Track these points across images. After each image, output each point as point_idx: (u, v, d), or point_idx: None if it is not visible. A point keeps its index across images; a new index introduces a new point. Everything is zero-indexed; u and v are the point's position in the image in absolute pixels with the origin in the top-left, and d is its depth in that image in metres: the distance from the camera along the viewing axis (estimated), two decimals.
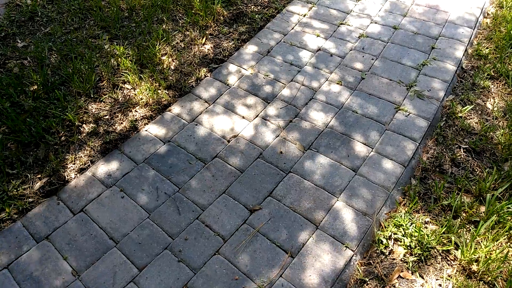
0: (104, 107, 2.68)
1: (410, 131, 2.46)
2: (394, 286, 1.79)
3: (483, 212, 2.03)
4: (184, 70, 2.95)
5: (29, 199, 2.17)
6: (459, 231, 1.95)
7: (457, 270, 1.83)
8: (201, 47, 3.16)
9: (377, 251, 1.93)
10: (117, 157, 2.38)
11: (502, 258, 1.80)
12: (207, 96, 2.76)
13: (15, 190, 2.20)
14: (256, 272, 1.85)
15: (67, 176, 2.29)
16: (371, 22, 3.38)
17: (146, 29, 3.28)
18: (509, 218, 1.96)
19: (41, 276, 1.86)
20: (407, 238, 1.93)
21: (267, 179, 2.24)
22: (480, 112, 2.59)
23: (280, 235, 1.98)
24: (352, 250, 1.92)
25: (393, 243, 1.95)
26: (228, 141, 2.46)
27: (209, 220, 2.06)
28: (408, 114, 2.56)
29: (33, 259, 1.93)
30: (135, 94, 2.75)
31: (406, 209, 2.07)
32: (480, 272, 1.79)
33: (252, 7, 3.59)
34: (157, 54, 3.03)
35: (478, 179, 2.18)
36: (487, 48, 3.06)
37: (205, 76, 2.92)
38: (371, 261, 1.90)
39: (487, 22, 3.36)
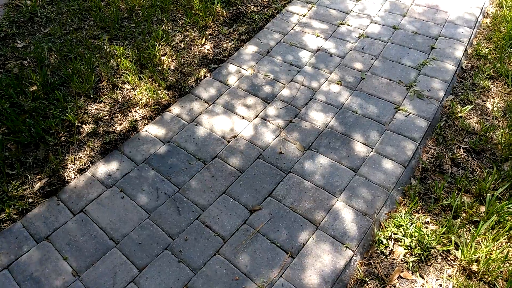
0: (104, 107, 2.68)
1: (410, 131, 2.46)
2: (395, 286, 1.79)
3: (483, 212, 2.03)
4: (184, 71, 2.95)
5: (29, 200, 2.17)
6: (459, 231, 1.95)
7: (457, 270, 1.83)
8: (200, 47, 3.16)
9: (377, 251, 1.93)
10: (117, 158, 2.38)
11: (502, 258, 1.80)
12: (207, 97, 2.76)
13: (15, 191, 2.20)
14: (256, 272, 1.85)
15: (67, 176, 2.29)
16: (371, 22, 3.38)
17: (145, 29, 3.28)
18: (509, 218, 1.96)
19: (41, 276, 1.86)
20: (407, 238, 1.93)
21: (267, 179, 2.24)
22: (480, 112, 2.59)
23: (280, 235, 1.98)
24: (352, 250, 1.92)
25: (393, 243, 1.95)
26: (228, 141, 2.46)
27: (209, 220, 2.06)
28: (408, 114, 2.56)
29: (33, 259, 1.92)
30: (135, 95, 2.75)
31: (406, 209, 2.07)
32: (481, 272, 1.79)
33: (252, 7, 3.59)
34: (157, 54, 3.03)
35: (478, 179, 2.18)
36: (486, 48, 3.06)
37: (205, 77, 2.92)
38: (371, 261, 1.90)
39: (486, 22, 3.36)
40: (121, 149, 2.43)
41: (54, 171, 2.30)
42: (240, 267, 1.87)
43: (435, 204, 2.09)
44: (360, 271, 1.86)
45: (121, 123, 2.58)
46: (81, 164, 2.35)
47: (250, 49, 3.15)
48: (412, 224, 1.99)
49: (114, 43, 3.17)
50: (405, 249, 1.91)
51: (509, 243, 1.89)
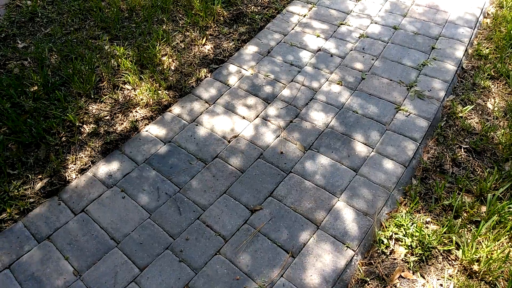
0: (105, 107, 2.68)
1: (410, 131, 2.46)
2: (395, 286, 1.79)
3: (484, 212, 2.03)
4: (185, 71, 2.95)
5: (30, 200, 2.17)
6: (460, 231, 1.95)
7: (458, 270, 1.83)
8: (201, 47, 3.17)
9: (378, 251, 1.93)
10: (117, 158, 2.38)
11: (503, 258, 1.80)
12: (207, 97, 2.76)
13: (16, 191, 2.20)
14: (257, 272, 1.85)
15: (68, 176, 2.29)
16: (371, 22, 3.38)
17: (146, 29, 3.28)
18: (510, 218, 1.96)
19: (43, 276, 1.86)
20: (408, 238, 1.93)
21: (268, 179, 2.24)
22: (480, 112, 2.59)
23: (281, 235, 1.99)
24: (353, 250, 1.92)
25: (394, 243, 1.95)
26: (229, 142, 2.46)
27: (210, 220, 2.06)
28: (409, 114, 2.56)
29: (35, 259, 1.93)
30: (136, 95, 2.75)
31: (407, 209, 2.07)
32: (482, 272, 1.79)
33: (252, 7, 3.59)
34: (157, 54, 3.03)
35: (479, 179, 2.18)
36: (487, 48, 3.06)
37: (205, 77, 2.92)
38: (372, 261, 1.90)
39: (487, 22, 3.36)
40: (122, 149, 2.43)
41: (55, 171, 2.31)
42: (241, 267, 1.87)
43: (436, 204, 2.09)
44: (361, 271, 1.86)
45: (122, 123, 2.58)
46: (82, 164, 2.35)
47: (250, 49, 3.15)
48: (413, 224, 1.99)
49: (115, 43, 3.18)
50: (406, 249, 1.91)
51: (510, 243, 1.89)
